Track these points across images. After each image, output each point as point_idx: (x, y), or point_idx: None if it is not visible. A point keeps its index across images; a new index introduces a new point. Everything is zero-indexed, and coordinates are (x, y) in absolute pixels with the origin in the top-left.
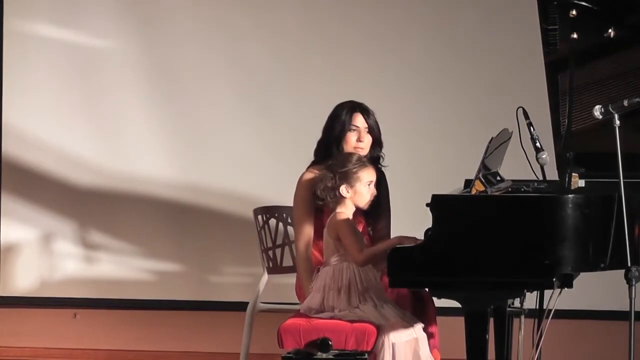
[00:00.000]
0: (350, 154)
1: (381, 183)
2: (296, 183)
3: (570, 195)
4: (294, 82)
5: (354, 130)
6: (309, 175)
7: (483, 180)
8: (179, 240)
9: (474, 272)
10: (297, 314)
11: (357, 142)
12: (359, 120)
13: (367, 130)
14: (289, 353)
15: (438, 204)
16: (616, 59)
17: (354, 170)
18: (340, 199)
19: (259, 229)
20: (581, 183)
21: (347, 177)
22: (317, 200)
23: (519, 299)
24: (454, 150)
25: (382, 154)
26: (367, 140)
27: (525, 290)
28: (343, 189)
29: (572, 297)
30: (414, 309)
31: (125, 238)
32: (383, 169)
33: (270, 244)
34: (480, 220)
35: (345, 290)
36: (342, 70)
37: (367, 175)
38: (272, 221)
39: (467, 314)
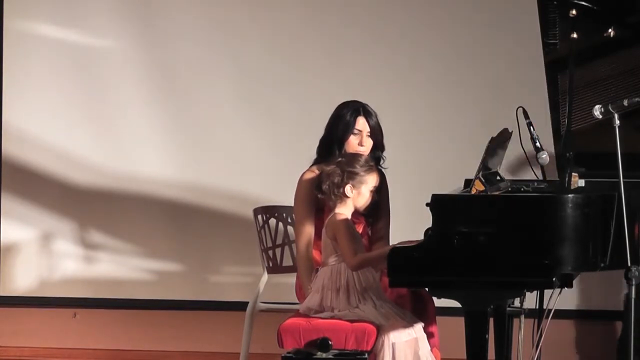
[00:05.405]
0: (359, 155)
1: (382, 184)
2: (297, 183)
3: (570, 195)
4: (294, 82)
5: (357, 134)
6: (310, 175)
7: (483, 180)
8: (178, 240)
9: (474, 271)
10: (297, 313)
11: (359, 145)
12: (361, 123)
13: (369, 133)
14: (289, 353)
15: (438, 204)
16: (616, 58)
17: (362, 173)
18: (342, 198)
19: (259, 228)
20: (581, 183)
21: (354, 178)
22: (319, 194)
23: (519, 299)
24: (454, 150)
25: (383, 156)
26: (369, 143)
27: (525, 290)
28: (348, 189)
29: (572, 297)
30: (413, 309)
31: (125, 238)
32: (383, 170)
33: (270, 244)
34: (480, 220)
35: (344, 290)
36: (343, 70)
37: (373, 180)
38: (272, 221)
39: (467, 313)
